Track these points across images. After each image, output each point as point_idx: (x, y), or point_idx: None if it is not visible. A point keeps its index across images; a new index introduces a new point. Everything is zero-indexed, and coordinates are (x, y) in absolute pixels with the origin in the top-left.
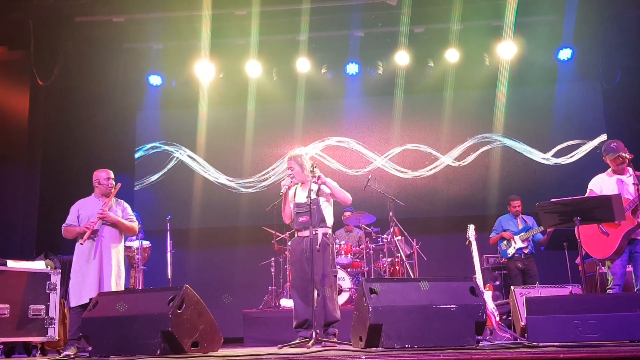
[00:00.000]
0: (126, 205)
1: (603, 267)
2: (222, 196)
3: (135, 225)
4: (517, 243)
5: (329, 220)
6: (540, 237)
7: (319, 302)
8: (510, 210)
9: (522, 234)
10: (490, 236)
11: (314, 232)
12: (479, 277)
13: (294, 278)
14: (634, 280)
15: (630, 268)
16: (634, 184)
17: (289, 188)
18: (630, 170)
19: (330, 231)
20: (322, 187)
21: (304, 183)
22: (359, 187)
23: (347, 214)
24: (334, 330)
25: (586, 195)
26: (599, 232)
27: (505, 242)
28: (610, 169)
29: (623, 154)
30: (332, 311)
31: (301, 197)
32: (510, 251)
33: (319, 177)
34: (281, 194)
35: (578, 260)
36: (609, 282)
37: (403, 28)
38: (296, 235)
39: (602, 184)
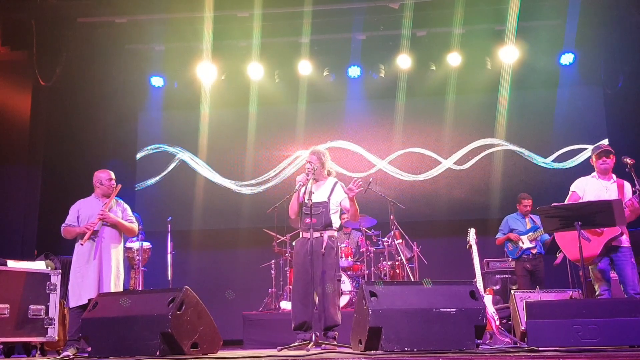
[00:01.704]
0: (126, 206)
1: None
2: (223, 198)
3: (135, 226)
4: (525, 243)
5: (335, 223)
6: (547, 237)
7: (319, 305)
8: (519, 209)
9: (530, 233)
10: (497, 237)
11: (318, 235)
12: (480, 281)
13: (296, 279)
14: (621, 288)
15: (614, 275)
16: (636, 190)
17: (304, 185)
18: (614, 177)
19: (335, 234)
20: (341, 194)
21: (318, 181)
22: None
23: (345, 216)
24: (333, 333)
25: (569, 196)
26: (581, 238)
27: (511, 242)
28: (595, 172)
29: (625, 159)
30: (333, 315)
31: (313, 196)
32: (517, 252)
33: (353, 192)
34: (295, 190)
35: (557, 262)
36: (596, 288)
37: (405, 31)
38: (301, 235)
39: (585, 186)
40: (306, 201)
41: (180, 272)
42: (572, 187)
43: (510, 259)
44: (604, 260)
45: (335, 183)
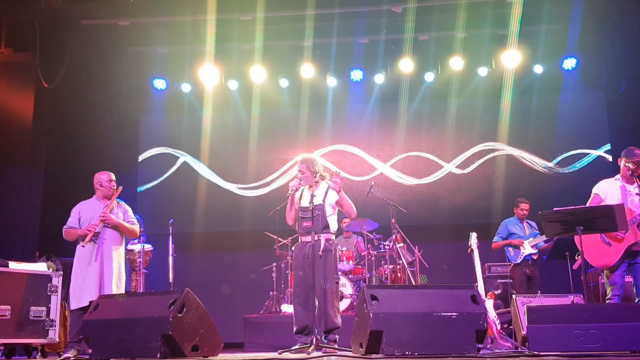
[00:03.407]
0: (127, 207)
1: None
2: (224, 201)
3: (137, 228)
4: (527, 249)
5: (333, 226)
6: (542, 244)
7: (319, 308)
8: (517, 214)
9: (531, 239)
10: (494, 240)
11: (316, 238)
12: (481, 285)
13: (295, 283)
14: (634, 291)
15: (629, 279)
16: (638, 194)
17: (297, 190)
18: (638, 181)
19: (333, 237)
20: (334, 194)
21: (312, 187)
22: (361, 193)
23: (347, 220)
24: (334, 336)
25: (590, 199)
26: (601, 242)
27: (513, 247)
28: (619, 175)
29: (627, 163)
30: (332, 318)
31: (307, 201)
32: (520, 257)
33: (338, 185)
34: (288, 194)
35: (575, 266)
36: (608, 292)
37: (407, 35)
38: (300, 240)
39: (608, 189)
40: (307, 204)
41: (182, 275)
42: (595, 190)
43: (512, 264)
44: (622, 264)
45: (328, 187)
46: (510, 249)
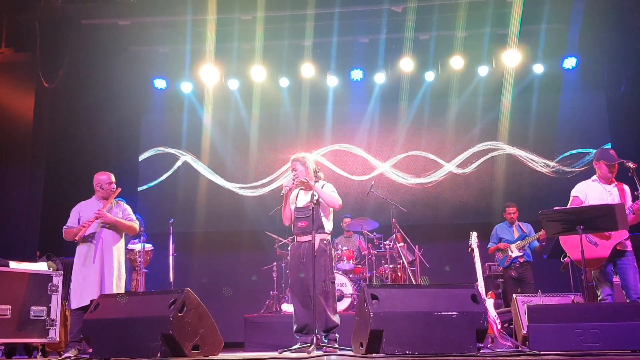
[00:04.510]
0: (126, 206)
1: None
2: (225, 200)
3: (136, 224)
4: (514, 252)
5: (327, 226)
6: (536, 244)
7: (317, 308)
8: (506, 218)
9: (518, 242)
10: (488, 246)
11: (311, 238)
12: (481, 284)
13: (292, 283)
14: (623, 292)
15: (615, 280)
16: (638, 195)
17: (291, 190)
18: (615, 180)
19: (329, 237)
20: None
21: (311, 186)
22: (362, 193)
23: (347, 220)
24: (334, 335)
25: (570, 201)
26: (587, 242)
27: (501, 251)
28: (595, 176)
29: (627, 163)
30: (330, 317)
31: (302, 201)
32: (507, 261)
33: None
34: (282, 194)
35: (567, 260)
36: (599, 293)
37: (408, 34)
38: (295, 240)
39: (587, 191)
40: (302, 204)
41: (182, 274)
42: (574, 192)
43: (501, 268)
44: (609, 264)
45: (322, 186)
46: (499, 253)
